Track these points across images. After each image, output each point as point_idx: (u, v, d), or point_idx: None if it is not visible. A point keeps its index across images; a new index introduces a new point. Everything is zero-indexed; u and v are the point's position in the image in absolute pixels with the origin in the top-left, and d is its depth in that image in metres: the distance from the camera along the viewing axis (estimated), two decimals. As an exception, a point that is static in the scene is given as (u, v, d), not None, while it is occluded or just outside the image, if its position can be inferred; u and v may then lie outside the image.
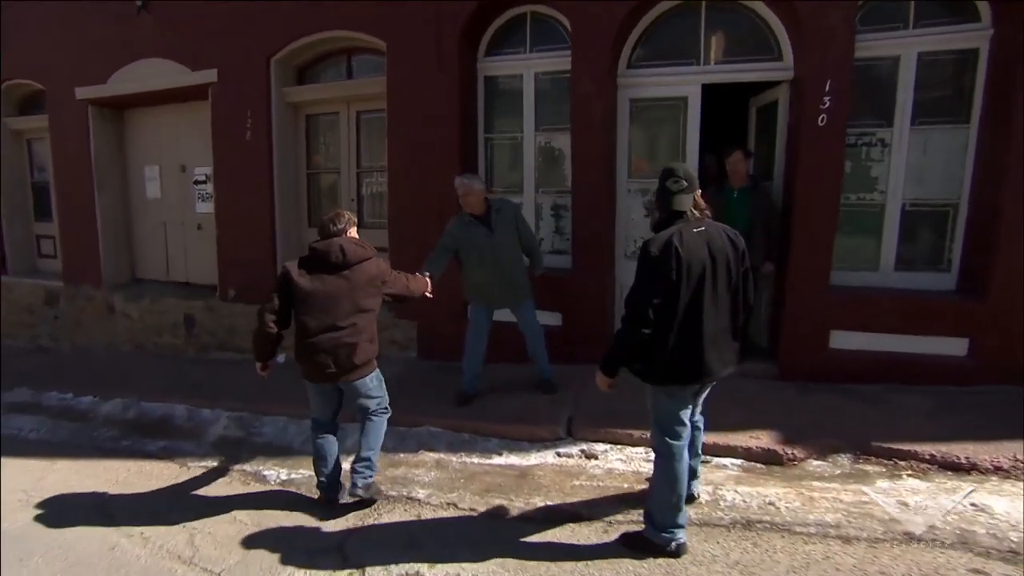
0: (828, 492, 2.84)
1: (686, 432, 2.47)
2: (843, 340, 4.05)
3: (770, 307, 4.45)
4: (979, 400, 3.57)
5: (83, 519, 3.21)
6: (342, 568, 2.62)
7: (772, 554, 2.47)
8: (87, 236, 6.75)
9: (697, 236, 2.31)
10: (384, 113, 5.07)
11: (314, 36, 5.31)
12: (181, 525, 3.07)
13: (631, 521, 2.74)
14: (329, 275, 2.91)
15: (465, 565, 2.54)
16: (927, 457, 3.00)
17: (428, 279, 3.47)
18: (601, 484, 3.09)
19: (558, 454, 3.40)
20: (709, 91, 4.39)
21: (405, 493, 3.16)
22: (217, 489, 3.47)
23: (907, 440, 3.10)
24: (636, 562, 2.46)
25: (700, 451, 2.83)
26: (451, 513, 2.97)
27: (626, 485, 3.07)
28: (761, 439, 3.21)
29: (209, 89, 5.74)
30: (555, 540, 2.68)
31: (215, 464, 3.77)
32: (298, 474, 3.51)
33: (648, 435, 3.08)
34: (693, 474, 2.79)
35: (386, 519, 2.97)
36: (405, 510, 3.03)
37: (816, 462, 3.08)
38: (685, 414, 2.45)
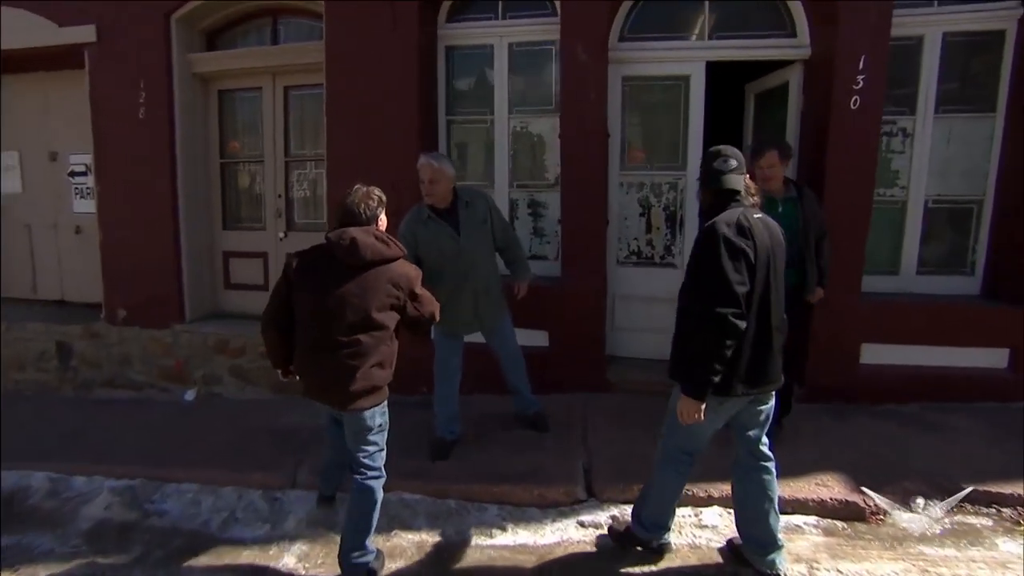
0: (952, 565, 2.22)
1: (704, 448, 2.22)
2: (874, 354, 3.59)
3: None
4: (1032, 419, 3.17)
5: None
6: None
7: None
8: (-83, 243, 5.20)
9: (759, 222, 2.06)
10: (321, 89, 4.10)
11: (227, -11, 4.25)
12: None
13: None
14: (335, 276, 2.21)
15: None
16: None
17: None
18: (654, 569, 2.27)
19: (581, 523, 2.55)
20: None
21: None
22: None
23: (995, 479, 2.59)
24: None
25: (777, 506, 2.18)
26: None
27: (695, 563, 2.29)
28: (832, 487, 2.58)
29: (85, 52, 4.48)
30: None
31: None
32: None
33: (709, 489, 2.56)
34: (775, 543, 2.15)
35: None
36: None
37: (905, 515, 2.48)
38: (714, 430, 2.16)
